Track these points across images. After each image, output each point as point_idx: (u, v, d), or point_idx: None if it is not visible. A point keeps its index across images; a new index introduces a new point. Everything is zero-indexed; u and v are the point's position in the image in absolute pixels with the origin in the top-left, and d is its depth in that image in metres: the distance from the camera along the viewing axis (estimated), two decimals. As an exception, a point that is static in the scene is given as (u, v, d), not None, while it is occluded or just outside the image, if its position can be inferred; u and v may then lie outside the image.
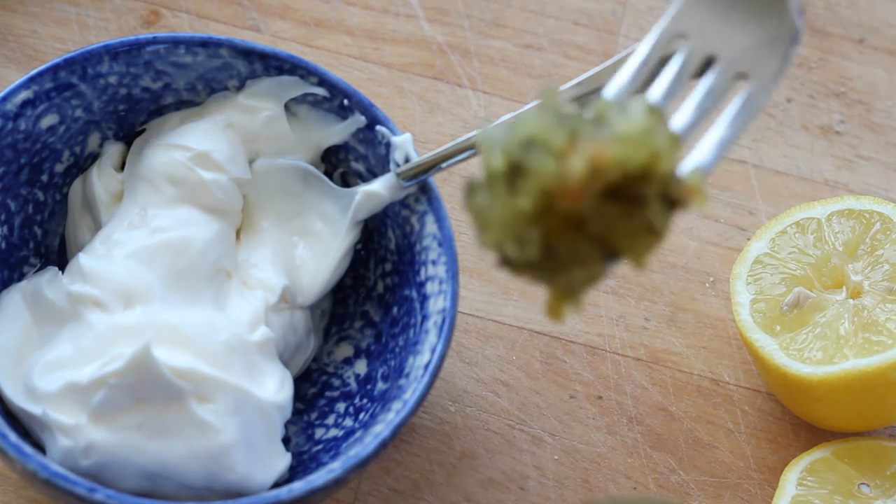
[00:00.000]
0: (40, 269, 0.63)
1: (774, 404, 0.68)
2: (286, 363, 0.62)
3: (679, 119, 0.50)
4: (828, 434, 0.67)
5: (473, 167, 0.73)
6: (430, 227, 0.61)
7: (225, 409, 0.56)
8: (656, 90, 0.51)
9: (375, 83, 0.74)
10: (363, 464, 0.56)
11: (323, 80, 0.63)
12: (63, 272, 0.61)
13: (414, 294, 0.61)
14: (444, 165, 0.60)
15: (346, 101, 0.63)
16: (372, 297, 0.65)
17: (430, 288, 0.60)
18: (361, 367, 0.64)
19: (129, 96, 0.64)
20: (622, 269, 0.71)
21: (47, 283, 0.60)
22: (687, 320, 0.70)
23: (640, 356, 0.69)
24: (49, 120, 0.62)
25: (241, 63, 0.63)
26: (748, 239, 0.72)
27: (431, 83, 0.75)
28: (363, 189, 0.62)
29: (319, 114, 0.64)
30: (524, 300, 0.70)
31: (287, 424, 0.61)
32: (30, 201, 0.63)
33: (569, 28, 0.77)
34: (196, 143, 0.62)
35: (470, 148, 0.59)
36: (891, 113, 0.77)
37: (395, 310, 0.63)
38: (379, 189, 0.61)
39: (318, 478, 0.55)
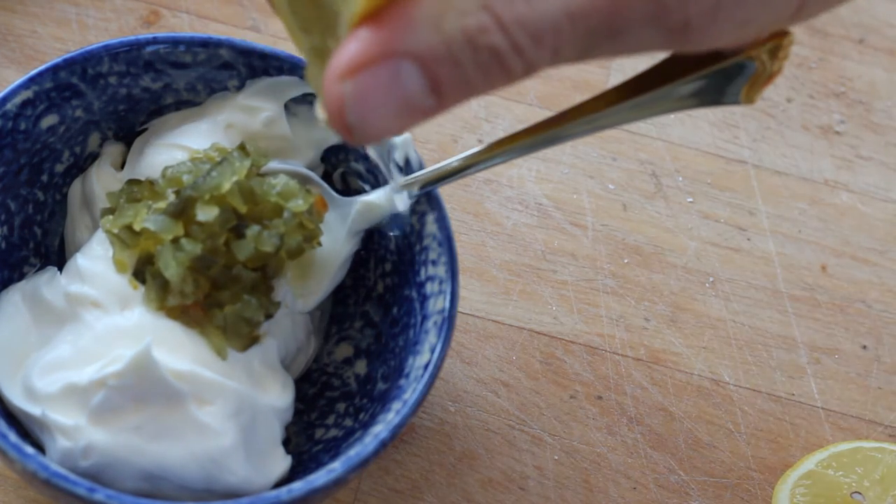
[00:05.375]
0: (40, 269, 0.63)
1: (774, 404, 0.68)
2: (287, 366, 0.62)
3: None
4: (827, 434, 0.67)
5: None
6: (430, 227, 0.61)
7: (225, 413, 0.56)
8: None
9: (375, 83, 0.74)
10: (363, 464, 0.56)
11: (323, 80, 0.63)
12: (62, 272, 0.61)
13: (414, 294, 0.61)
14: (447, 181, 0.60)
15: (346, 101, 0.63)
16: (372, 298, 0.65)
17: (430, 288, 0.60)
18: (361, 367, 0.64)
19: (129, 96, 0.64)
20: (622, 270, 0.71)
21: (46, 284, 0.60)
22: (687, 320, 0.70)
23: (640, 356, 0.69)
24: (49, 120, 0.62)
25: (241, 63, 0.63)
26: (748, 239, 0.72)
27: (431, 83, 0.75)
28: (362, 199, 0.61)
29: (319, 114, 0.64)
30: (524, 300, 0.70)
31: (287, 425, 0.61)
32: (30, 201, 0.63)
33: (569, 28, 0.77)
34: (196, 143, 0.62)
35: (473, 165, 0.59)
36: (891, 113, 0.77)
37: (394, 310, 0.63)
38: (378, 200, 0.61)
39: (318, 478, 0.55)
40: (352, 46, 0.41)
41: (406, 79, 0.41)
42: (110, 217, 0.60)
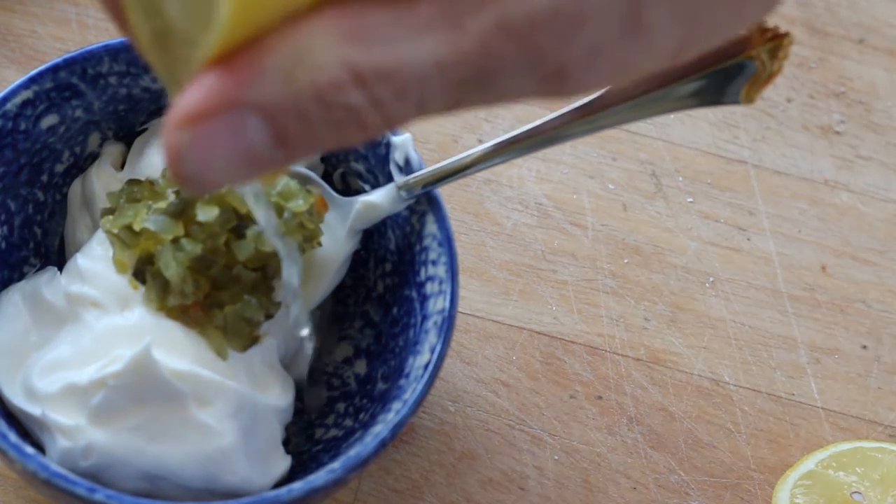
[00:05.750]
0: (40, 269, 0.63)
1: (774, 404, 0.68)
2: (287, 366, 0.62)
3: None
4: (827, 434, 0.67)
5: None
6: (430, 227, 0.61)
7: (225, 413, 0.56)
8: None
9: (375, 83, 0.74)
10: (363, 464, 0.56)
11: (323, 80, 0.63)
12: (62, 272, 0.61)
13: (414, 294, 0.61)
14: (447, 181, 0.60)
15: (346, 101, 0.63)
16: (372, 298, 0.65)
17: (430, 288, 0.60)
18: (361, 367, 0.64)
19: (129, 96, 0.64)
20: (622, 270, 0.71)
21: (46, 284, 0.60)
22: (687, 320, 0.70)
23: (640, 356, 0.69)
24: (49, 120, 0.62)
25: (241, 63, 0.63)
26: (748, 239, 0.72)
27: (431, 83, 0.75)
28: (363, 199, 0.61)
29: (319, 114, 0.64)
30: (524, 300, 0.70)
31: (287, 425, 0.61)
32: (30, 201, 0.63)
33: (569, 28, 0.77)
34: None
35: (473, 165, 0.59)
36: (891, 113, 0.77)
37: (394, 310, 0.63)
38: (379, 200, 0.61)
39: (318, 478, 0.55)
40: (194, 93, 0.38)
41: (250, 131, 0.38)
42: (110, 217, 0.60)
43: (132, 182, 0.61)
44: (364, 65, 0.37)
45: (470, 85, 0.38)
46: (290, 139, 0.38)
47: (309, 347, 0.60)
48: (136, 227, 0.58)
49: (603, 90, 0.50)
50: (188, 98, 0.38)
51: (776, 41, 0.53)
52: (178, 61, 0.41)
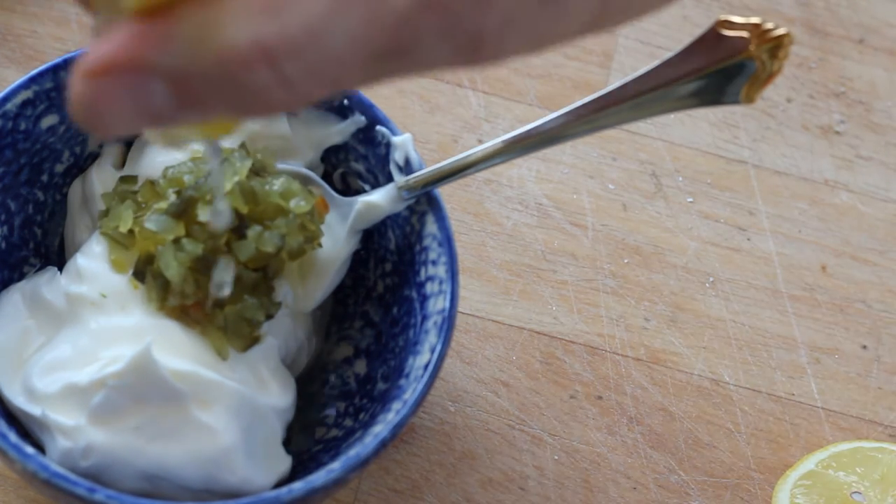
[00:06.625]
0: (40, 269, 0.63)
1: (774, 404, 0.68)
2: (287, 366, 0.62)
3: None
4: (827, 434, 0.67)
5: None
6: (430, 227, 0.61)
7: (225, 413, 0.56)
8: None
9: (375, 83, 0.74)
10: (363, 464, 0.56)
11: (323, 80, 0.63)
12: (62, 272, 0.61)
13: (414, 294, 0.61)
14: (447, 181, 0.60)
15: (345, 101, 0.63)
16: (372, 298, 0.65)
17: (430, 288, 0.60)
18: (361, 367, 0.64)
19: (129, 96, 0.64)
20: (622, 270, 0.71)
21: (46, 284, 0.60)
22: (687, 320, 0.70)
23: (640, 356, 0.69)
24: (49, 120, 0.62)
25: (241, 63, 0.63)
26: (748, 239, 0.72)
27: (431, 83, 0.75)
28: (363, 199, 0.61)
29: (319, 114, 0.64)
30: (524, 300, 0.70)
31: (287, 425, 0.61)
32: (30, 201, 0.63)
33: (569, 28, 0.77)
34: (196, 144, 0.62)
35: (473, 165, 0.59)
36: (891, 113, 0.77)
37: (394, 310, 0.63)
38: (379, 200, 0.61)
39: (318, 478, 0.55)
40: (104, 46, 0.38)
41: (151, 92, 0.38)
42: (105, 219, 0.60)
43: (124, 179, 0.61)
44: (275, 44, 0.36)
45: (387, 58, 0.37)
46: (193, 104, 0.37)
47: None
48: (123, 229, 0.58)
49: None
50: (97, 50, 0.38)
51: (776, 41, 0.53)
52: (110, 5, 0.40)
